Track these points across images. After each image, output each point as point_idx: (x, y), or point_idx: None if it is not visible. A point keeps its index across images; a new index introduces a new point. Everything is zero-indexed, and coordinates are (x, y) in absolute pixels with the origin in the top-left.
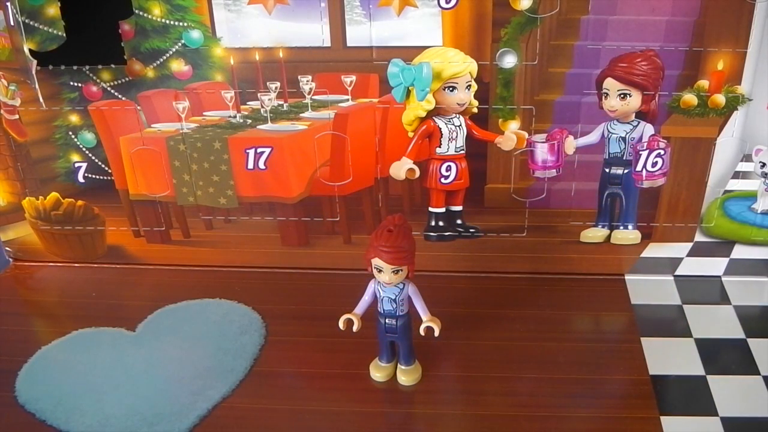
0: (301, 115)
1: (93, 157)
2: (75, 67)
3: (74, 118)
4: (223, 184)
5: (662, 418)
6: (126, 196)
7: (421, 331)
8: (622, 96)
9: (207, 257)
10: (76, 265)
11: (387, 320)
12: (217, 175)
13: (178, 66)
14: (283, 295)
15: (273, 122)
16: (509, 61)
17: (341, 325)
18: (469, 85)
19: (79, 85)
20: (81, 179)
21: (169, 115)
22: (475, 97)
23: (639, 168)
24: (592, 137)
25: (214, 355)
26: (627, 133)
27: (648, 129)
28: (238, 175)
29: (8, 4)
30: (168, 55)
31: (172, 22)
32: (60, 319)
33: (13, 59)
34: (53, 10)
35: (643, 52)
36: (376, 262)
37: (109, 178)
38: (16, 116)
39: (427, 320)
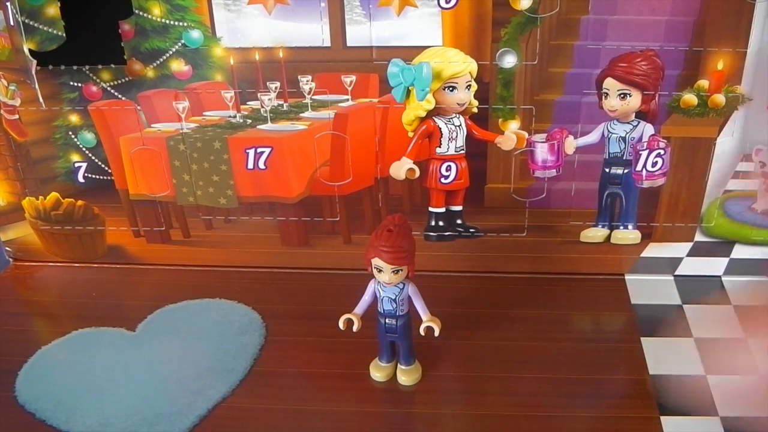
0: (301, 115)
1: (93, 157)
2: (75, 67)
3: (74, 118)
4: (223, 184)
5: (662, 418)
6: (126, 196)
7: (421, 331)
8: (622, 96)
9: (207, 257)
10: (76, 265)
11: (387, 320)
12: (217, 175)
13: (178, 66)
14: (283, 295)
15: (273, 122)
16: (509, 61)
17: (341, 325)
18: (469, 85)
19: (79, 85)
20: (81, 179)
21: (169, 115)
22: (475, 97)
23: (639, 168)
24: (592, 137)
25: (214, 355)
26: (627, 133)
27: (648, 129)
28: (238, 175)
29: (8, 4)
30: (168, 55)
31: (172, 22)
32: (60, 319)
33: (13, 59)
34: (53, 10)
35: (643, 52)
36: (376, 262)
37: (109, 178)
38: (16, 116)
39: (427, 320)
